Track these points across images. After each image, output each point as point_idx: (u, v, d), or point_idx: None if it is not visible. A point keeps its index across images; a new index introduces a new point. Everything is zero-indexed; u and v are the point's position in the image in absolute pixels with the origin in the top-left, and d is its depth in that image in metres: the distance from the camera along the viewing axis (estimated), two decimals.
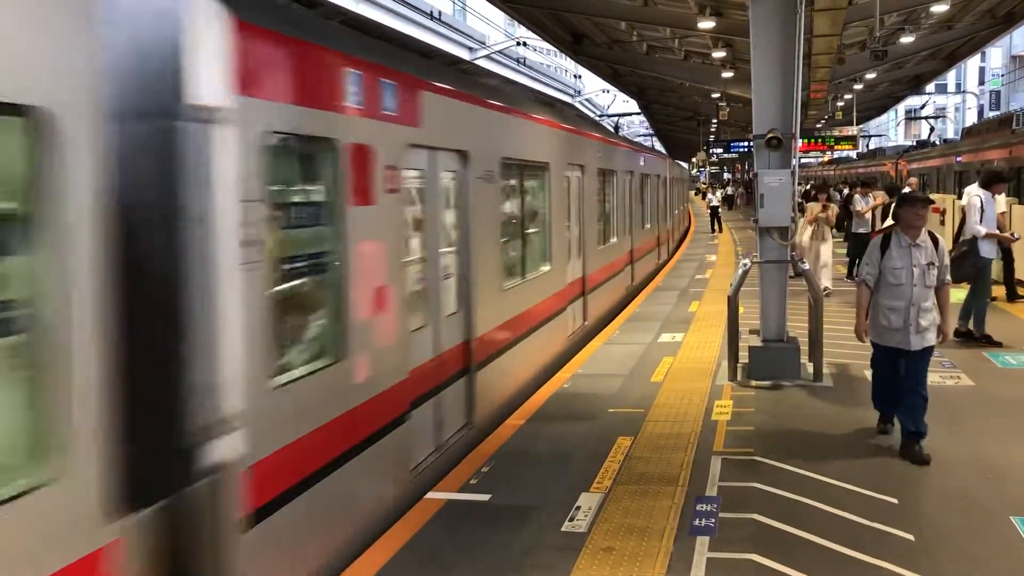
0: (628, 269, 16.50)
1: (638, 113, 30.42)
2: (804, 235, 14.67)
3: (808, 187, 30.98)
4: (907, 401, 6.68)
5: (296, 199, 5.06)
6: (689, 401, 8.30)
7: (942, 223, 17.74)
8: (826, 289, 14.26)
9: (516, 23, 19.93)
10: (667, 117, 43.77)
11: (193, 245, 3.78)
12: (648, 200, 19.75)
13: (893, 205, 7.16)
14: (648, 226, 19.52)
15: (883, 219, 17.09)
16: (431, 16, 38.59)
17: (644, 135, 49.79)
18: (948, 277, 6.73)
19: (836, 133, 30.69)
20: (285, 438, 4.49)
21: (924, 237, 6.63)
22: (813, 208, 15.14)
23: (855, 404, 8.06)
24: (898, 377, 6.77)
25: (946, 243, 6.98)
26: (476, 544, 5.24)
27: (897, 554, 4.92)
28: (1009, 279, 13.54)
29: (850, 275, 16.54)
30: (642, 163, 19.00)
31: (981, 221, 10.64)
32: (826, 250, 15.01)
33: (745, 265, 9.41)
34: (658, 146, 51.16)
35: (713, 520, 5.46)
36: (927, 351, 6.69)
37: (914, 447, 6.55)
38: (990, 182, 11.22)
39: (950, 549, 5.01)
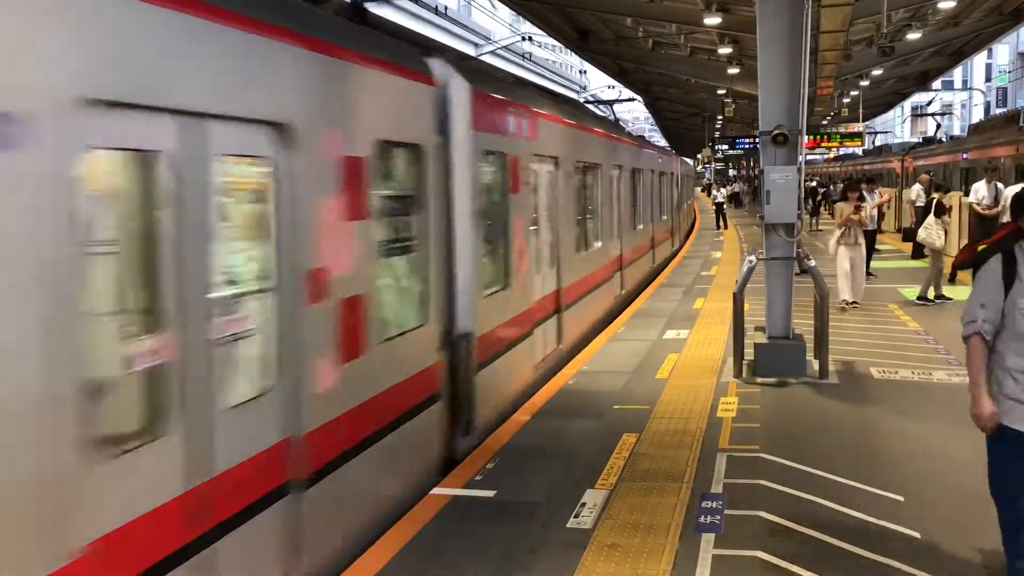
0: (617, 276, 14.40)
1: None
2: (832, 239, 13.34)
3: (815, 184, 30.75)
4: None
5: None
6: (694, 398, 8.29)
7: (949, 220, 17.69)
8: (854, 303, 12.95)
9: (522, 18, 19.91)
10: (673, 113, 43.74)
11: None
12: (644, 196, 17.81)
13: (1013, 199, 4.52)
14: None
15: (925, 216, 16.29)
16: (436, 11, 38.62)
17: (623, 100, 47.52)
18: None
19: (842, 129, 30.67)
20: None
21: None
22: (843, 209, 13.24)
23: (861, 401, 8.06)
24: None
25: (955, 244, 4.79)
26: (481, 540, 5.23)
27: (903, 551, 4.91)
28: None
29: None
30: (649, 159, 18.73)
31: None
32: (859, 257, 13.21)
33: (751, 262, 9.39)
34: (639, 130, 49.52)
35: (719, 517, 5.45)
36: None
37: None
38: None
39: (956, 547, 4.99)
